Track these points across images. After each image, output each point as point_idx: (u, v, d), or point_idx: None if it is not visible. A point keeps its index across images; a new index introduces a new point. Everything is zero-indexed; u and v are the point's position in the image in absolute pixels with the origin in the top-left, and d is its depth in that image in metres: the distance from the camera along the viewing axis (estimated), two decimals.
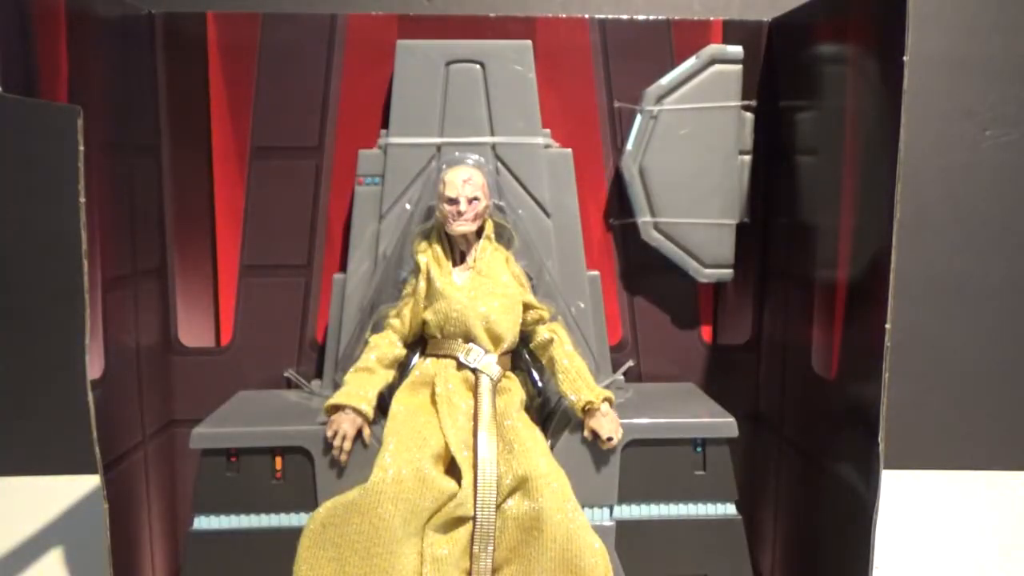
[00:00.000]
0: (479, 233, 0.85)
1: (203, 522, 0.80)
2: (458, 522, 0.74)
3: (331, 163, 0.95)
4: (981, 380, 1.02)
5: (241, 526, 0.80)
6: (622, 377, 0.96)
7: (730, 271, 0.96)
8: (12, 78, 0.67)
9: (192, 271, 0.96)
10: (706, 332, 1.01)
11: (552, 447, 0.80)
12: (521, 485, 0.75)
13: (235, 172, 0.95)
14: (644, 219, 0.94)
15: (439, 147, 0.90)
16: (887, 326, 0.71)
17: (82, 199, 0.76)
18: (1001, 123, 0.90)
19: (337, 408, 0.79)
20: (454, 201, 0.82)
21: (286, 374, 0.97)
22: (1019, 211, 0.95)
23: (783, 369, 0.94)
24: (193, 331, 0.97)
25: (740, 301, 1.00)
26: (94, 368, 0.79)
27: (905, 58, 0.68)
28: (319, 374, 0.96)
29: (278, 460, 0.80)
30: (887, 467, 0.73)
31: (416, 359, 0.85)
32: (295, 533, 0.75)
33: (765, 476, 0.99)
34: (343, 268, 0.93)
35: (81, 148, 0.76)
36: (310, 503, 0.78)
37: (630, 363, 0.98)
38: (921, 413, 1.02)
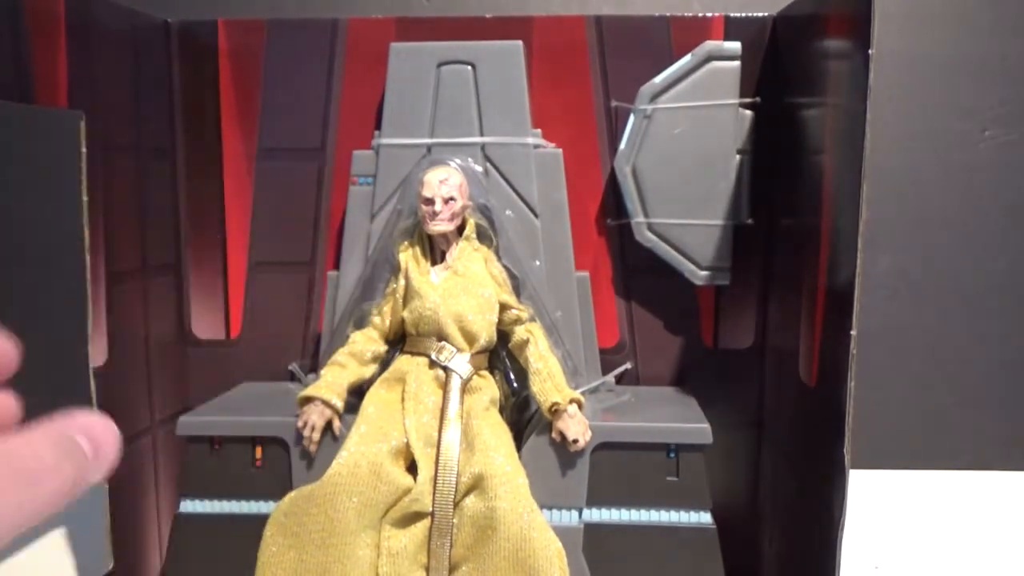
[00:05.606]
0: (460, 233, 0.86)
1: (189, 505, 0.84)
2: (415, 517, 0.75)
3: (332, 163, 0.98)
4: (982, 379, 0.96)
5: (224, 511, 0.84)
6: (613, 379, 0.95)
7: (727, 273, 0.93)
8: (3, 82, 0.72)
9: (204, 267, 1.01)
10: (707, 335, 0.98)
11: (526, 447, 0.80)
12: (478, 483, 0.75)
13: (244, 173, 0.99)
14: (638, 220, 0.93)
15: (429, 147, 0.91)
16: (852, 333, 0.67)
17: (84, 198, 0.81)
18: (1001, 123, 0.85)
19: (309, 400, 0.81)
20: (430, 201, 0.83)
21: (290, 367, 1.00)
22: (1019, 211, 0.89)
23: (779, 375, 0.91)
24: (205, 324, 1.01)
25: (743, 304, 0.97)
26: (97, 357, 0.84)
27: (871, 51, 0.65)
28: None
29: (258, 449, 0.83)
30: (871, 468, 0.70)
31: (396, 355, 0.87)
32: None
33: (764, 483, 0.95)
34: (339, 266, 0.96)
35: (83, 150, 0.81)
36: (286, 491, 0.81)
37: (627, 366, 0.97)
38: (911, 415, 0.97)
